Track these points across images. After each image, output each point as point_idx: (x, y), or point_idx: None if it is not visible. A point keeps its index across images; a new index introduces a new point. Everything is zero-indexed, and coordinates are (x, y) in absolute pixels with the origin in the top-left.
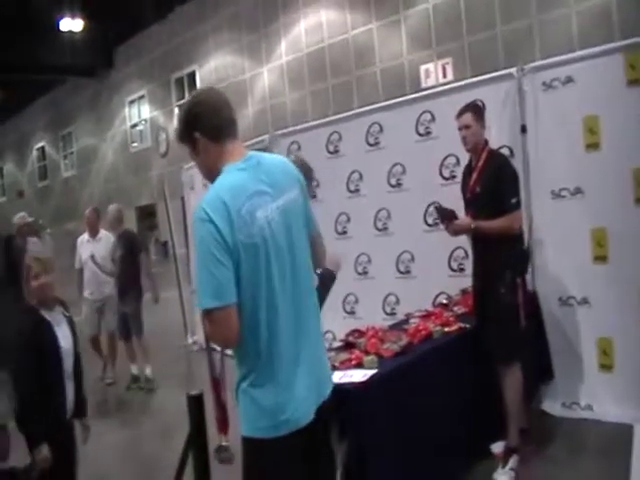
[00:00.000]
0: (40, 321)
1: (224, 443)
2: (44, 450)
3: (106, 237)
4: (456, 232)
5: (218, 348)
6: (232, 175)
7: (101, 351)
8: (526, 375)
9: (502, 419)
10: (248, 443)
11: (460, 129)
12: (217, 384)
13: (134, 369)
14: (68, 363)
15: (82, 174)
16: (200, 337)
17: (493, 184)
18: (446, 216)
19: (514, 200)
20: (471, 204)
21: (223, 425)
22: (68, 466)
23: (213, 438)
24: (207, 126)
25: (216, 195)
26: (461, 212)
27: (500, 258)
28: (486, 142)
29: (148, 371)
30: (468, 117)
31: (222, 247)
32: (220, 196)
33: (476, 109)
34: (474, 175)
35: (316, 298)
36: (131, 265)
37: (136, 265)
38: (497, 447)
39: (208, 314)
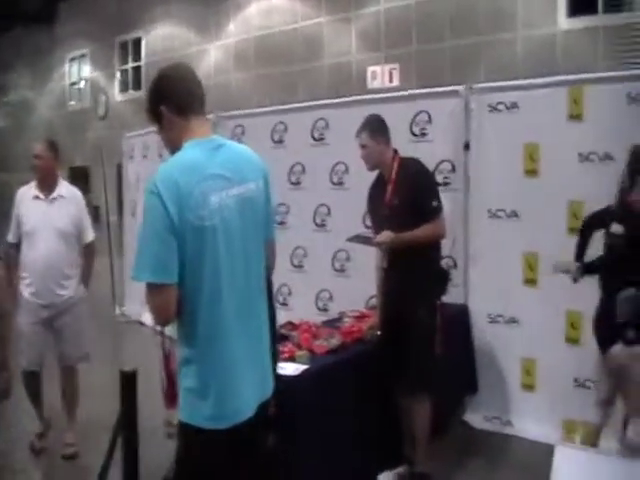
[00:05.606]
0: None
1: (171, 419)
2: None
3: (71, 194)
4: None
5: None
6: (190, 153)
7: (41, 401)
8: (449, 387)
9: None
10: (186, 429)
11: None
12: (167, 358)
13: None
14: None
15: (16, 125)
16: (129, 308)
17: (411, 191)
18: (366, 241)
19: (435, 203)
20: (390, 219)
21: (172, 400)
22: None
23: (148, 416)
24: (172, 99)
25: (170, 172)
26: None
27: (420, 277)
28: (395, 152)
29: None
30: (363, 137)
31: (167, 225)
32: (173, 174)
33: (373, 126)
34: (389, 188)
35: (265, 296)
36: None
37: None
38: (384, 477)
39: (147, 287)
